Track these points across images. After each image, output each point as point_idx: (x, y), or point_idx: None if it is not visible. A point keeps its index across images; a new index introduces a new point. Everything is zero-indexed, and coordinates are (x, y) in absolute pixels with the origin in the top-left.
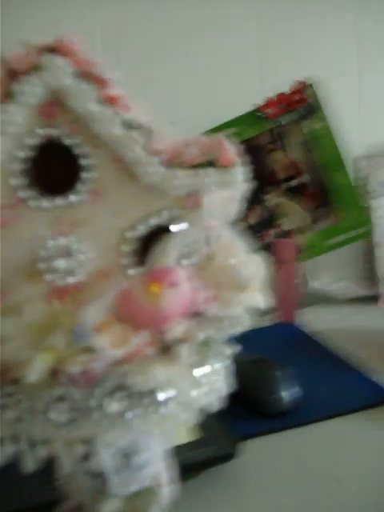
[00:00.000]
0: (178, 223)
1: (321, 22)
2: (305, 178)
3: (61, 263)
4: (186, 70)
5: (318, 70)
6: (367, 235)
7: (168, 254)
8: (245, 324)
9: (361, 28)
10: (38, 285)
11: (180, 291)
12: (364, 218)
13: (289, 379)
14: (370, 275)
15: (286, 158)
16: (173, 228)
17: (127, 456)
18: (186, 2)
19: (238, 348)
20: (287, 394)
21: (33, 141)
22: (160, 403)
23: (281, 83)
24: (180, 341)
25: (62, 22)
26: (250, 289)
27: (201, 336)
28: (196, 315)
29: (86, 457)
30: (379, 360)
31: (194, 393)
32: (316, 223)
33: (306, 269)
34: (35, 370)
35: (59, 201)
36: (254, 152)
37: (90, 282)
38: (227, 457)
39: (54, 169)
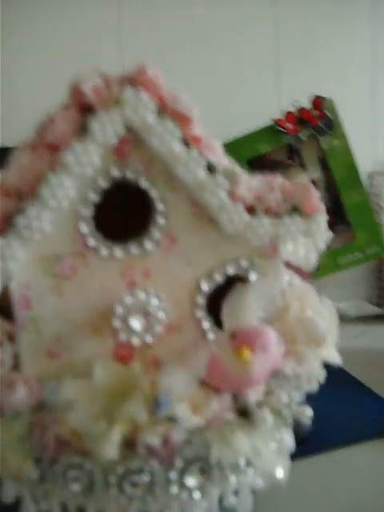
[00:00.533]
0: (255, 272)
1: (335, 37)
2: (321, 195)
3: (138, 322)
4: (201, 83)
5: (331, 85)
6: (381, 254)
7: (251, 308)
8: (320, 380)
9: (375, 44)
10: (103, 340)
11: (270, 354)
12: (378, 237)
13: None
14: (382, 294)
15: (302, 174)
16: (252, 278)
17: None
18: (202, 16)
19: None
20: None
21: (106, 183)
22: (240, 472)
23: (296, 97)
24: (262, 404)
25: (63, 23)
26: (327, 343)
27: (285, 398)
28: (272, 373)
29: None
30: None
31: (279, 462)
32: (330, 241)
33: (318, 287)
34: (112, 446)
35: (134, 249)
36: (270, 167)
37: (162, 336)
38: None
39: (119, 212)
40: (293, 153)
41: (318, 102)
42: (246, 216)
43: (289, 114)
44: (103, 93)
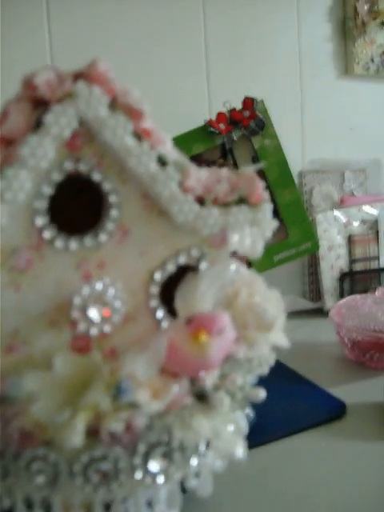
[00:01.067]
0: (206, 262)
1: (263, 38)
2: None
3: (96, 313)
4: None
5: (261, 85)
6: (313, 250)
7: (205, 296)
8: (270, 363)
9: (302, 46)
10: (60, 332)
11: (225, 337)
12: (310, 234)
13: None
14: (315, 288)
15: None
16: (203, 267)
17: (151, 506)
18: (131, 18)
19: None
20: None
21: (60, 176)
22: (201, 455)
23: (227, 99)
24: (218, 387)
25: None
26: (275, 327)
27: (239, 381)
28: (225, 358)
29: None
30: (328, 373)
31: (239, 442)
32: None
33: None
34: (77, 433)
35: (88, 241)
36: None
37: (117, 326)
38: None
39: (72, 206)
40: (226, 153)
41: (249, 102)
42: (196, 206)
43: (220, 114)
44: (56, 87)
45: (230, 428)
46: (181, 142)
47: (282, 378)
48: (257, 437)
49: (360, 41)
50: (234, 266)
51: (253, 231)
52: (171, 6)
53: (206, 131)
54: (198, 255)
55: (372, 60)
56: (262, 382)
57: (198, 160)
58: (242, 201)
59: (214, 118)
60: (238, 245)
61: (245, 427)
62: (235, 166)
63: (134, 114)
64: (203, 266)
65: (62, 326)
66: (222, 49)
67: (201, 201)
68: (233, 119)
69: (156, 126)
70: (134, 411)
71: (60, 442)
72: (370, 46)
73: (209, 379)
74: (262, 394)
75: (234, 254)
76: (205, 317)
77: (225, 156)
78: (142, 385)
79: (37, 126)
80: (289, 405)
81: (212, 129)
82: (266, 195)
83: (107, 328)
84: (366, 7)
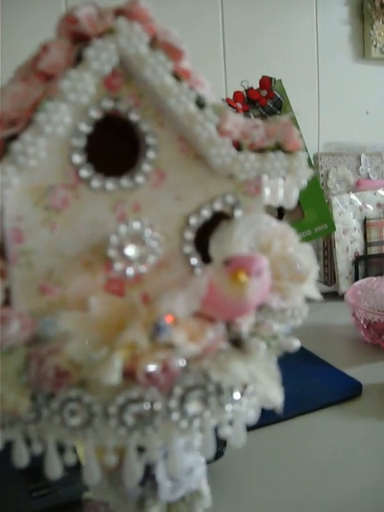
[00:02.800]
0: (240, 210)
1: (282, 21)
2: None
3: (133, 250)
4: None
5: (280, 67)
6: (329, 231)
7: (240, 241)
8: (304, 315)
9: (320, 29)
10: (95, 275)
11: (263, 280)
12: (326, 215)
13: None
14: (329, 271)
15: None
16: (237, 214)
17: (181, 458)
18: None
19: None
20: None
21: (98, 114)
22: (236, 402)
23: (245, 80)
24: (254, 334)
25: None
26: (308, 279)
27: (275, 328)
28: (258, 307)
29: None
30: (343, 354)
31: (276, 388)
32: (280, 220)
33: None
34: (114, 371)
35: (125, 182)
36: None
37: (151, 272)
38: (217, 455)
39: (108, 146)
40: None
41: (267, 82)
42: (233, 150)
43: (238, 93)
44: (97, 22)
45: (267, 374)
46: None
47: (298, 359)
48: (272, 414)
49: (378, 23)
50: (266, 217)
51: (287, 180)
52: None
53: None
54: (232, 202)
55: None
56: (280, 362)
57: None
58: (278, 147)
59: (231, 97)
60: (272, 196)
61: (279, 375)
62: None
63: (173, 53)
64: (238, 213)
65: (96, 268)
66: (240, 29)
67: (237, 146)
68: (250, 98)
69: (194, 68)
70: (170, 352)
71: (96, 380)
72: None
73: (244, 325)
74: (296, 343)
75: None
76: (244, 258)
77: None
78: (180, 326)
79: (77, 60)
80: (306, 385)
81: (229, 107)
82: (301, 143)
83: (143, 268)
84: None
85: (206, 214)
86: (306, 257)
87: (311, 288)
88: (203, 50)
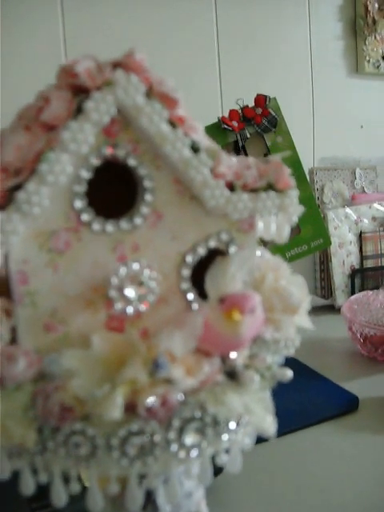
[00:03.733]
0: (234, 246)
1: (275, 38)
2: None
3: (132, 291)
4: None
5: (274, 83)
6: (325, 246)
7: (234, 277)
8: (296, 345)
9: (313, 44)
10: (96, 313)
11: (256, 316)
12: (322, 230)
13: None
14: (326, 285)
15: None
16: (232, 250)
17: (180, 483)
18: (144, 17)
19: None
20: None
21: (98, 161)
22: (232, 431)
23: (240, 98)
24: (248, 366)
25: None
26: (300, 310)
27: (269, 360)
28: (253, 339)
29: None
30: (340, 368)
31: (269, 419)
32: None
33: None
34: (116, 406)
35: (124, 224)
36: None
37: (150, 308)
38: (217, 471)
39: (106, 190)
40: (239, 150)
41: (262, 100)
42: (227, 192)
43: (233, 112)
44: (96, 75)
45: (261, 405)
46: None
47: (295, 373)
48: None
49: (370, 39)
50: (260, 251)
51: (279, 217)
52: (183, 6)
53: (219, 128)
54: (227, 239)
55: (382, 58)
56: None
57: None
58: (269, 187)
59: (226, 115)
60: (265, 230)
61: (272, 405)
62: None
63: (169, 101)
64: (232, 249)
65: (97, 306)
66: (234, 47)
67: (231, 186)
68: (245, 116)
69: (189, 114)
70: (169, 387)
71: (99, 415)
72: (381, 44)
73: (239, 358)
74: (289, 373)
75: (260, 241)
76: (237, 296)
77: (237, 153)
78: (178, 361)
79: (77, 112)
80: (302, 399)
81: (225, 126)
82: (292, 181)
83: (142, 307)
84: (376, 5)
85: (202, 251)
86: (298, 289)
87: (303, 319)
88: (199, 69)
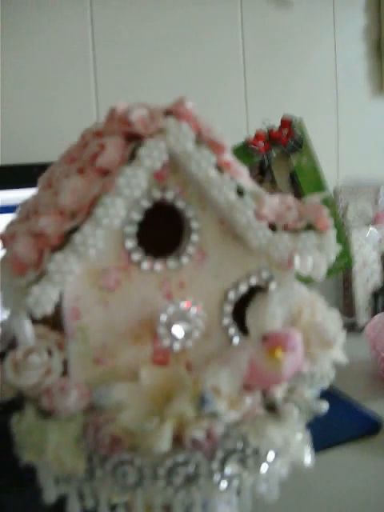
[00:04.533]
0: (274, 283)
1: (301, 58)
2: None
3: (180, 329)
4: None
5: (300, 102)
6: (348, 266)
7: (275, 315)
8: (331, 378)
9: (339, 65)
10: (143, 347)
11: (297, 354)
12: (345, 250)
13: None
14: (349, 304)
15: (274, 190)
16: (272, 287)
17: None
18: (179, 39)
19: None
20: None
21: (148, 204)
22: (270, 462)
23: (266, 118)
24: (287, 400)
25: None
26: (336, 345)
27: (307, 394)
28: None
29: None
30: (362, 389)
31: (307, 450)
32: None
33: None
34: (165, 440)
35: (171, 263)
36: None
37: (194, 343)
38: None
39: (155, 230)
40: (264, 170)
41: (287, 122)
42: (269, 232)
43: (259, 133)
44: (149, 123)
45: (299, 437)
46: None
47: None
48: None
49: None
50: (297, 286)
51: (317, 255)
52: (211, 28)
53: (245, 149)
54: (267, 277)
55: None
56: None
57: None
58: (309, 227)
59: (252, 134)
60: (302, 267)
61: (310, 437)
62: (273, 182)
63: (216, 147)
64: (272, 286)
65: (144, 340)
66: (260, 68)
67: (273, 227)
68: (271, 138)
69: (234, 159)
70: (214, 420)
71: (148, 447)
72: None
73: (279, 392)
74: (325, 406)
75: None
76: (279, 335)
77: (263, 173)
78: (225, 395)
79: (131, 158)
80: (323, 421)
81: (251, 146)
82: (331, 222)
83: (189, 343)
84: None
85: (243, 288)
86: (333, 324)
87: (338, 353)
88: (226, 89)
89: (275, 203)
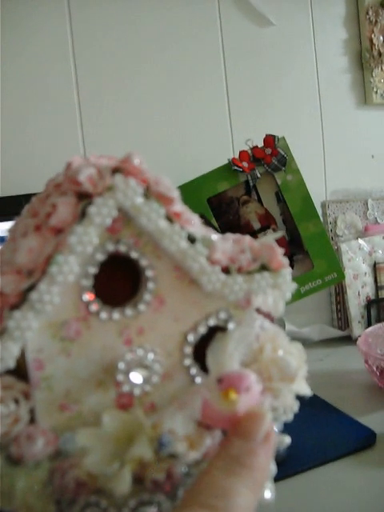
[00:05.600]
0: (233, 322)
1: (283, 75)
2: (278, 227)
3: (138, 376)
4: (159, 126)
5: (283, 121)
6: (339, 280)
7: (232, 355)
8: (295, 411)
9: (321, 78)
10: (106, 392)
11: (252, 393)
12: (335, 264)
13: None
14: (342, 316)
15: (260, 208)
16: (230, 327)
17: None
18: (160, 59)
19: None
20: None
21: (103, 257)
22: None
23: (249, 137)
24: None
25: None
26: (298, 378)
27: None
28: None
29: None
30: (357, 400)
31: (269, 485)
32: (292, 269)
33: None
34: (125, 482)
35: (129, 311)
36: (229, 204)
37: (157, 385)
38: None
39: (112, 278)
40: (250, 189)
41: (270, 140)
42: (223, 276)
43: (243, 153)
44: (97, 182)
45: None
46: (206, 180)
47: (311, 407)
48: (287, 467)
49: (377, 71)
50: (258, 321)
51: (274, 293)
52: (192, 48)
53: (229, 169)
54: (225, 317)
55: None
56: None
57: (223, 197)
58: (263, 268)
59: (237, 156)
60: (262, 304)
61: (273, 471)
62: (259, 201)
63: (165, 199)
64: (231, 325)
65: (107, 386)
66: (243, 87)
67: (226, 270)
68: (255, 157)
69: (185, 208)
70: (173, 461)
71: (110, 489)
72: None
73: None
74: (287, 440)
75: (259, 311)
76: (233, 376)
77: (249, 192)
78: (181, 438)
79: (82, 216)
80: (318, 434)
81: (236, 167)
82: (285, 261)
83: (148, 387)
84: (381, 38)
85: (202, 329)
86: (295, 358)
87: (301, 386)
88: (209, 111)
89: (228, 247)
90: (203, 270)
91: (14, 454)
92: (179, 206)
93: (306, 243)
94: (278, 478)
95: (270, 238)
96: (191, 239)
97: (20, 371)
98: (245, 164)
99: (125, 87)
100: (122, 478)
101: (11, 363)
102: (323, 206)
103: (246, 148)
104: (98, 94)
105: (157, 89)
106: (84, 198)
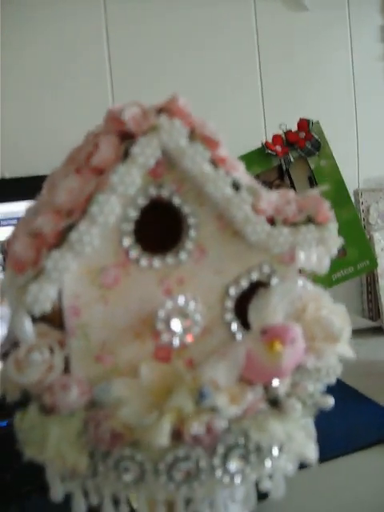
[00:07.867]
0: (276, 277)
1: (317, 60)
2: None
3: (178, 324)
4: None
5: (317, 106)
6: (371, 268)
7: (276, 309)
8: (338, 373)
9: (356, 65)
10: (144, 344)
11: (297, 347)
12: (368, 252)
13: None
14: (373, 306)
15: None
16: (273, 282)
17: (225, 507)
18: (193, 43)
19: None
20: None
21: (145, 201)
22: (274, 458)
23: (283, 121)
24: (290, 394)
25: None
26: (342, 339)
27: (310, 388)
28: (295, 368)
29: None
30: None
31: (311, 446)
32: None
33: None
34: (163, 434)
35: (170, 259)
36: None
37: (195, 339)
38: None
39: (153, 227)
40: (283, 173)
41: (305, 124)
42: (268, 227)
43: (276, 136)
44: (141, 121)
45: (302, 432)
46: None
47: (342, 396)
48: (319, 454)
49: None
50: (301, 281)
51: (319, 249)
52: (225, 32)
53: (262, 153)
54: (268, 271)
55: None
56: None
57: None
58: (309, 220)
59: (269, 139)
60: (306, 262)
61: (314, 432)
62: (292, 186)
63: (210, 143)
64: (274, 281)
65: (145, 337)
66: (276, 71)
67: (272, 221)
68: (289, 141)
69: (230, 154)
70: (214, 415)
71: (147, 442)
72: None
73: (282, 386)
74: (330, 401)
75: (301, 272)
76: (278, 327)
77: (282, 177)
78: (222, 390)
79: (125, 156)
80: (349, 422)
81: (269, 151)
82: (331, 214)
83: (188, 339)
84: None
85: (244, 283)
86: (339, 318)
87: (345, 347)
88: (242, 93)
89: (274, 197)
90: (248, 219)
91: (47, 403)
92: (224, 151)
93: (339, 230)
94: (305, 465)
95: (315, 191)
96: (236, 186)
97: (55, 322)
98: (278, 148)
99: (155, 68)
100: (161, 430)
101: (48, 306)
102: (356, 194)
103: (280, 132)
104: (132, 75)
105: (190, 73)
106: (127, 138)
